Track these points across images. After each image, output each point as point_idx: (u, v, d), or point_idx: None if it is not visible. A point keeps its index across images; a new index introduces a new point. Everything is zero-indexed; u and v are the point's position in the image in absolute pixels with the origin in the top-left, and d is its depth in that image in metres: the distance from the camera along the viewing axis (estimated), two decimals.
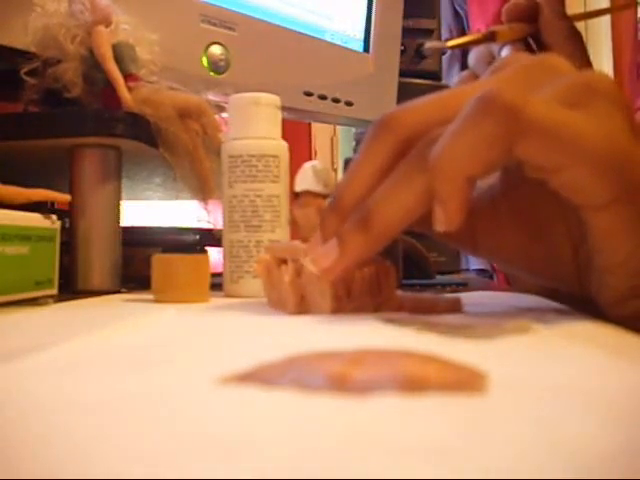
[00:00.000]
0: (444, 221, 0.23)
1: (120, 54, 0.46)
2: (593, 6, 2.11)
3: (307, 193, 0.29)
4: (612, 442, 0.11)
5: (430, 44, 0.43)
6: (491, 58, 0.44)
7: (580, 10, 2.11)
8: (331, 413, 0.12)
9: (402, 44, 0.85)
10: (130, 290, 0.44)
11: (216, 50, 0.62)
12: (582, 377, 0.15)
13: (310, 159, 1.45)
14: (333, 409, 0.12)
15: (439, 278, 0.65)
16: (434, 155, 0.23)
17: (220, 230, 0.43)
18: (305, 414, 0.12)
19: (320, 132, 1.47)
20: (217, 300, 0.37)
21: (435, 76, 0.95)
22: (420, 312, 0.27)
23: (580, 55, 0.42)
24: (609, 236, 0.24)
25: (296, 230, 0.30)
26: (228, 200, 0.41)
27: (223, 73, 0.62)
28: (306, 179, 0.29)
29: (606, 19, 2.08)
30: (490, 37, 0.42)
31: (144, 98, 0.45)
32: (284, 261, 0.29)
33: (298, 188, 0.30)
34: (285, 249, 0.29)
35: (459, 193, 0.23)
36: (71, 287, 0.43)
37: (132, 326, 0.25)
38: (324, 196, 0.30)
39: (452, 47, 0.42)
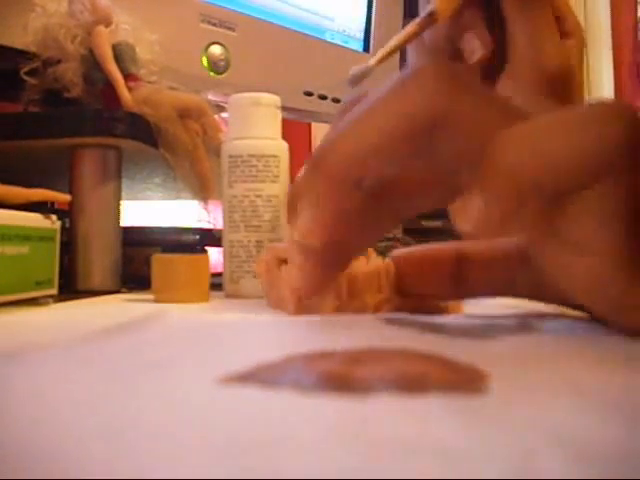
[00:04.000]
0: None
1: (120, 54, 0.46)
2: (593, 6, 2.11)
3: None
4: (613, 442, 0.11)
5: (353, 72, 0.30)
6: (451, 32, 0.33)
7: (580, 10, 2.11)
8: (331, 413, 0.12)
9: None
10: (130, 290, 0.44)
11: (216, 50, 0.62)
12: (582, 377, 0.15)
13: None
14: (333, 409, 0.12)
15: None
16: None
17: (220, 230, 0.43)
18: (305, 414, 0.12)
19: (320, 132, 1.47)
20: (217, 300, 0.37)
21: None
22: (420, 312, 0.27)
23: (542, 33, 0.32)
24: None
25: None
26: (228, 200, 0.41)
27: (223, 73, 0.62)
28: None
29: (606, 19, 2.09)
30: (427, 23, 0.31)
31: (144, 98, 0.45)
32: (285, 261, 0.29)
33: None
34: (287, 249, 0.29)
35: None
36: (71, 287, 0.43)
37: (132, 326, 0.25)
38: None
39: (381, 61, 0.31)
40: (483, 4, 0.33)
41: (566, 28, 0.34)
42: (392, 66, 0.81)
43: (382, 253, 0.29)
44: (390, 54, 0.31)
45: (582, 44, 0.34)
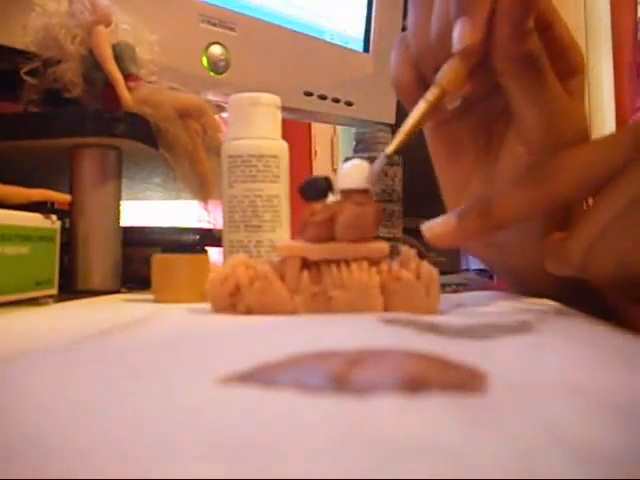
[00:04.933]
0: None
1: (120, 54, 0.46)
2: (593, 6, 2.11)
3: (357, 191, 0.29)
4: (613, 442, 0.11)
5: (374, 170, 0.27)
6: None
7: (580, 10, 2.11)
8: (331, 413, 0.12)
9: None
10: (130, 290, 0.44)
11: (216, 50, 0.62)
12: (582, 377, 0.15)
13: (310, 159, 1.45)
14: (333, 409, 0.12)
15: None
16: None
17: (220, 230, 0.43)
18: (305, 414, 0.12)
19: (320, 132, 1.47)
20: None
21: None
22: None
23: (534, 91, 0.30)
24: None
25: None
26: (228, 200, 0.41)
27: (223, 73, 0.62)
28: (356, 178, 0.29)
29: (606, 18, 2.09)
30: (438, 98, 0.29)
31: (144, 98, 0.45)
32: (282, 276, 0.28)
33: (347, 186, 0.29)
34: (324, 250, 0.29)
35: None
36: (71, 287, 0.43)
37: (132, 326, 0.25)
38: (370, 193, 0.29)
39: (397, 148, 0.29)
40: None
41: (571, 65, 0.32)
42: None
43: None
44: (406, 140, 0.29)
45: (584, 76, 0.33)
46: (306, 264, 0.28)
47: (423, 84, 0.31)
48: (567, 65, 0.32)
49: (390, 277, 0.28)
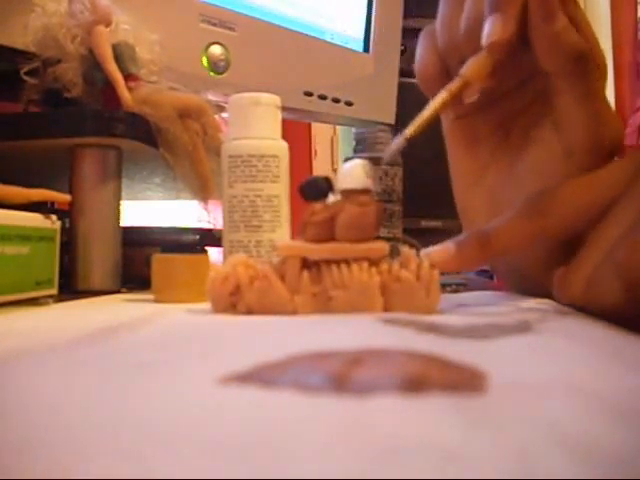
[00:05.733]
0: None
1: (120, 54, 0.46)
2: (593, 6, 2.11)
3: (358, 191, 0.29)
4: (613, 442, 0.10)
5: (389, 150, 0.30)
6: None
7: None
8: (331, 413, 0.12)
9: (402, 44, 0.85)
10: (130, 290, 0.44)
11: (216, 50, 0.62)
12: (582, 377, 0.15)
13: (310, 159, 1.45)
14: (333, 409, 0.12)
15: None
16: None
17: (220, 230, 0.43)
18: (305, 414, 0.12)
19: (320, 132, 1.47)
20: None
21: None
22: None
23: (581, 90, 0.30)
24: None
25: (344, 229, 0.28)
26: (228, 200, 0.41)
27: (223, 73, 0.62)
28: (356, 177, 0.29)
29: (606, 18, 2.08)
30: (459, 89, 0.30)
31: (144, 98, 0.45)
32: (283, 276, 0.28)
33: (347, 186, 0.29)
34: (324, 250, 0.29)
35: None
36: (71, 287, 0.43)
37: (132, 326, 0.25)
38: (371, 193, 0.29)
39: (413, 136, 0.29)
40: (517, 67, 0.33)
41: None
42: (391, 70, 0.82)
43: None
44: (425, 125, 0.30)
45: (605, 80, 0.33)
46: (306, 264, 0.28)
47: (447, 76, 0.32)
48: None
49: (390, 277, 0.28)
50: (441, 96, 0.30)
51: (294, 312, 0.28)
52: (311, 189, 0.29)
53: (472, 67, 0.30)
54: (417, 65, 0.34)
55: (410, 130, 0.30)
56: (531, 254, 0.32)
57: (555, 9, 0.30)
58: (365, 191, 0.29)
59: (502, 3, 0.30)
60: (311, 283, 0.28)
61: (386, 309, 0.28)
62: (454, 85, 0.30)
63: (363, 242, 0.28)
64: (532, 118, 0.34)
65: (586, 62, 0.30)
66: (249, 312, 0.29)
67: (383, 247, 0.28)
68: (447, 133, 0.37)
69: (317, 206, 0.29)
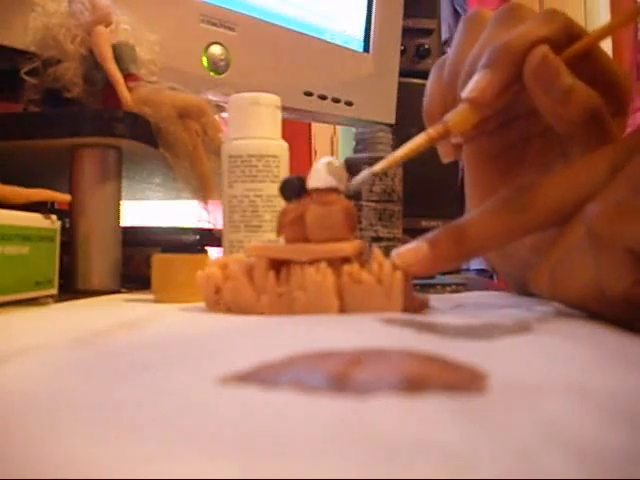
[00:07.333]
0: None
1: (120, 54, 0.46)
2: (593, 6, 2.11)
3: (322, 190, 0.28)
4: (613, 442, 0.10)
5: (355, 181, 0.29)
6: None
7: (580, 10, 2.10)
8: (331, 413, 0.12)
9: (402, 44, 0.85)
10: (130, 290, 0.44)
11: (216, 50, 0.62)
12: (582, 377, 0.15)
13: (310, 159, 1.45)
14: (333, 409, 0.12)
15: (439, 278, 0.65)
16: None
17: (220, 230, 0.43)
18: (305, 414, 0.12)
19: (320, 132, 1.47)
20: None
21: None
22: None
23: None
24: None
25: (308, 228, 0.28)
26: (228, 200, 0.41)
27: (223, 73, 0.62)
28: (321, 176, 0.28)
29: (606, 18, 2.08)
30: (439, 136, 0.29)
31: (144, 98, 0.45)
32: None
33: (312, 185, 0.29)
34: (286, 250, 0.29)
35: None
36: (71, 287, 0.43)
37: (132, 326, 0.25)
38: (340, 192, 0.29)
39: (384, 170, 0.29)
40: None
41: (614, 105, 0.30)
42: (391, 70, 0.82)
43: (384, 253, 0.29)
44: (395, 164, 0.29)
45: (627, 118, 0.31)
46: (277, 265, 0.28)
47: (446, 113, 0.31)
48: (610, 104, 0.29)
49: (350, 279, 0.27)
50: (419, 139, 0.29)
51: (261, 312, 0.28)
52: (287, 189, 0.30)
53: (455, 116, 0.29)
54: (424, 98, 0.34)
55: (379, 166, 0.29)
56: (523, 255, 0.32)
57: (555, 74, 0.28)
58: (331, 190, 0.28)
59: (496, 61, 0.28)
60: (277, 284, 0.28)
61: (344, 311, 0.27)
62: (435, 130, 0.29)
63: (334, 242, 0.28)
64: (547, 142, 0.33)
65: (599, 119, 0.28)
66: (228, 311, 0.29)
67: (344, 247, 0.28)
68: (463, 150, 0.36)
69: (289, 206, 0.29)
